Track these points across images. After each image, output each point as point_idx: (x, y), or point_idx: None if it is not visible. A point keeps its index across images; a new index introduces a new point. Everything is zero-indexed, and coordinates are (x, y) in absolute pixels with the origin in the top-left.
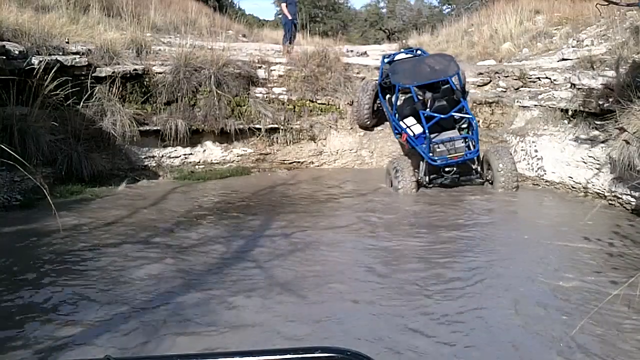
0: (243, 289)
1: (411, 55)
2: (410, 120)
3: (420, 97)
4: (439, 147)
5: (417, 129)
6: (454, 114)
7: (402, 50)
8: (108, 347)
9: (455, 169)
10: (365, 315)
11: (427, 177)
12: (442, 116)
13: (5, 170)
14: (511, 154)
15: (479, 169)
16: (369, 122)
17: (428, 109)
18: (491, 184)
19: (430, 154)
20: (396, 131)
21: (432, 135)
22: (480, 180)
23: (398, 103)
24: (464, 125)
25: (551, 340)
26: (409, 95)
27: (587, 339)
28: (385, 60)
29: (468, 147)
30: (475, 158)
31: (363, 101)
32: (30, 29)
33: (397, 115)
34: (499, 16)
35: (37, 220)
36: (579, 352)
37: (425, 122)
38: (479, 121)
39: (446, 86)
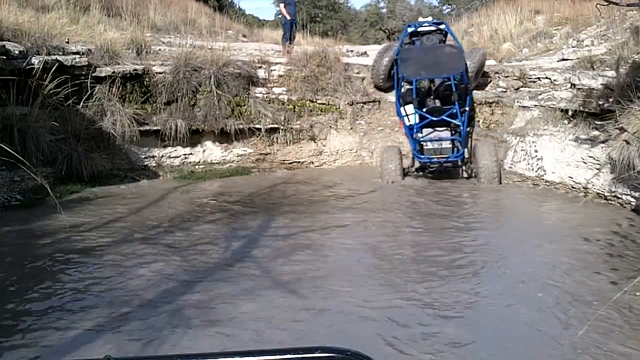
0: (243, 288)
1: (434, 29)
2: (410, 108)
3: (425, 88)
4: (426, 145)
5: (416, 118)
6: (445, 117)
7: (427, 21)
8: (108, 347)
9: (441, 163)
10: (366, 314)
11: (413, 167)
12: (433, 118)
13: (5, 170)
14: (494, 149)
15: (467, 162)
16: (382, 84)
17: (433, 96)
18: (476, 177)
19: (418, 151)
20: (398, 113)
21: (425, 132)
22: (466, 173)
23: (402, 90)
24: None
25: (552, 343)
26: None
27: (588, 340)
28: (409, 29)
29: (457, 147)
30: (464, 153)
31: (382, 63)
32: (30, 29)
33: (400, 100)
34: (499, 16)
35: (37, 220)
36: (579, 354)
37: (417, 120)
38: (478, 121)
39: (448, 82)
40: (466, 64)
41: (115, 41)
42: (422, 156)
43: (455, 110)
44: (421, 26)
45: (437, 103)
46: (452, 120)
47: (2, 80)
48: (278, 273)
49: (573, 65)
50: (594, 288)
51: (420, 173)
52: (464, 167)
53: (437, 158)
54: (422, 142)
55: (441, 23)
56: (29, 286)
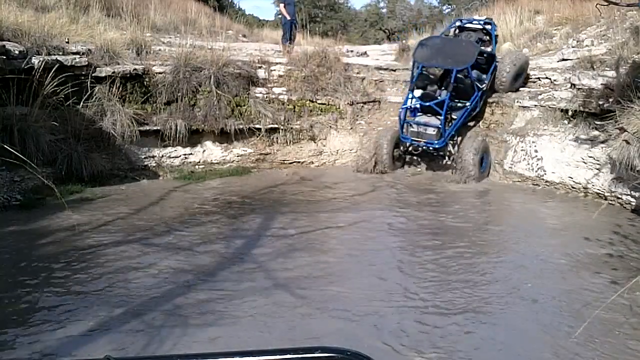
0: (243, 288)
1: (480, 26)
2: (416, 92)
3: (435, 75)
4: (411, 127)
5: (412, 102)
6: (432, 105)
7: (478, 19)
8: (108, 347)
9: (421, 149)
10: (366, 314)
11: (400, 149)
12: (423, 103)
13: (5, 170)
14: (476, 146)
15: (452, 153)
16: None
17: (444, 85)
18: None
19: (403, 130)
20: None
21: (418, 115)
22: (448, 164)
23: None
24: (454, 116)
25: (551, 341)
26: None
27: (588, 340)
28: (457, 23)
29: (441, 135)
30: (451, 145)
31: None
32: (30, 29)
33: (412, 84)
34: (499, 16)
35: (38, 220)
36: (580, 354)
37: (408, 102)
38: (479, 120)
39: (459, 75)
40: (492, 63)
41: (115, 41)
42: (405, 136)
43: (443, 101)
44: (469, 23)
45: (442, 92)
46: (438, 109)
47: (2, 80)
48: (278, 273)
49: (573, 65)
50: (593, 287)
51: (405, 157)
52: (446, 158)
53: (416, 141)
54: (409, 124)
55: (489, 23)
56: (30, 286)
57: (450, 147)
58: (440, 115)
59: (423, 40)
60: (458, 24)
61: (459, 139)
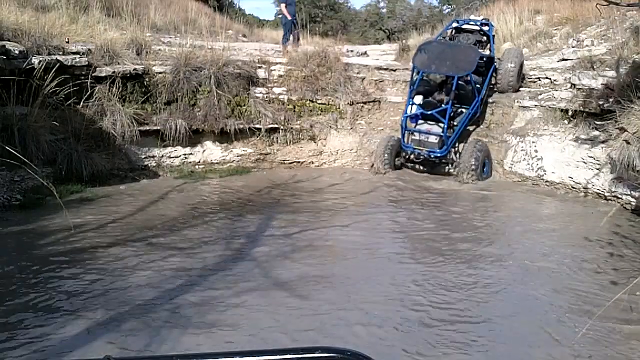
0: (243, 288)
1: (477, 28)
2: (416, 98)
3: (435, 82)
4: (413, 135)
5: (413, 109)
6: (434, 113)
7: (474, 20)
8: (108, 347)
9: (422, 158)
10: (366, 314)
11: (401, 157)
12: (425, 112)
13: (5, 170)
14: (477, 153)
15: (454, 160)
16: None
17: (444, 91)
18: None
19: (405, 138)
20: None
21: (420, 123)
22: (450, 168)
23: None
24: (455, 122)
25: (552, 342)
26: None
27: (588, 340)
28: (454, 24)
29: (443, 143)
30: (452, 152)
31: None
32: (30, 29)
33: (412, 90)
34: (499, 16)
35: (38, 220)
36: (582, 355)
37: (411, 111)
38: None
39: (460, 82)
40: (490, 65)
41: (115, 41)
42: (407, 145)
43: (445, 109)
44: (466, 24)
45: (444, 97)
46: (440, 117)
47: (2, 80)
48: (278, 273)
49: (573, 65)
50: (594, 288)
51: (407, 163)
52: (448, 165)
53: (419, 149)
54: (410, 132)
55: (486, 24)
56: (30, 286)
57: (452, 154)
58: (442, 122)
59: (422, 45)
60: (455, 25)
61: (461, 145)
